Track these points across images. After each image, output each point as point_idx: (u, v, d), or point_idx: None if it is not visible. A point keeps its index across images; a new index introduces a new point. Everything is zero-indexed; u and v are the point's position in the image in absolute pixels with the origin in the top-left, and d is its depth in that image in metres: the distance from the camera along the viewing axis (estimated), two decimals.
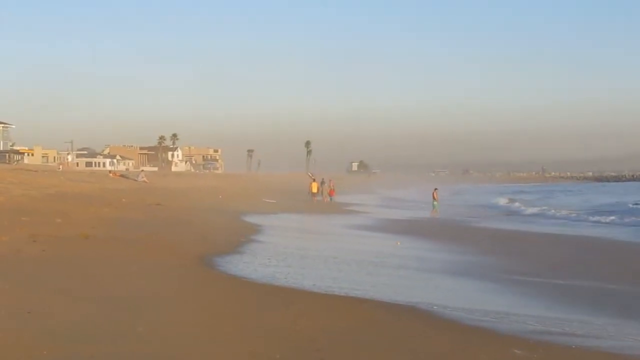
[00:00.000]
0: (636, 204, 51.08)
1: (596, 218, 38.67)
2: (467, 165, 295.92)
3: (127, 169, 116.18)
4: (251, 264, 15.37)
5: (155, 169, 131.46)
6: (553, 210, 46.09)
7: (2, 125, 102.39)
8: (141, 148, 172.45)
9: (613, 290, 14.33)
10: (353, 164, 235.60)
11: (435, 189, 45.48)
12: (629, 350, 8.69)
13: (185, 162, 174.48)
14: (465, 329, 9.34)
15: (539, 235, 28.43)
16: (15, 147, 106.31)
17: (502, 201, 59.28)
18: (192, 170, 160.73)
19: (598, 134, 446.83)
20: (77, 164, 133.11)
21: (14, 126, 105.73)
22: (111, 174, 68.66)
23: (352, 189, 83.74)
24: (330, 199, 52.84)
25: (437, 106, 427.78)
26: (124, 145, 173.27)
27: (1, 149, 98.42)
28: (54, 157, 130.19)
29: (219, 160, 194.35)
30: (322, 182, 54.21)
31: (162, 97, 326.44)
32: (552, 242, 25.59)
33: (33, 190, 30.79)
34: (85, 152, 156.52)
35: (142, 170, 78.12)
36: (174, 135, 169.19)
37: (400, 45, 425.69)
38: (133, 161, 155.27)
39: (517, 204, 55.67)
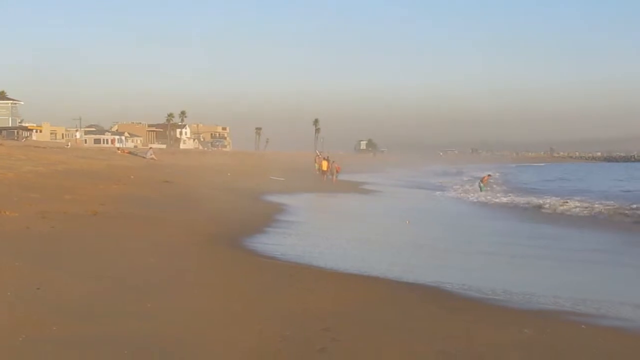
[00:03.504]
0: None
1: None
2: (476, 145, 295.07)
3: (135, 146, 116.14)
4: (262, 243, 15.37)
5: (164, 146, 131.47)
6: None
7: (11, 102, 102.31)
8: (149, 125, 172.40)
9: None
10: (361, 142, 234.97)
11: (489, 175, 47.42)
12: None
13: (194, 140, 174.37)
14: (479, 308, 9.33)
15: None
16: (23, 124, 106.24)
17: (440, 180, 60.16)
18: (200, 147, 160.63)
19: (608, 115, 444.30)
20: (85, 140, 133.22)
21: (22, 103, 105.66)
22: (119, 151, 68.63)
23: (359, 168, 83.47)
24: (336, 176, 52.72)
25: (446, 86, 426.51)
26: (133, 123, 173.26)
27: (10, 125, 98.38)
28: (62, 134, 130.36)
29: (227, 138, 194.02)
30: (327, 159, 53.95)
31: (170, 74, 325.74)
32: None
33: (41, 166, 30.80)
34: (94, 129, 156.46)
35: (151, 148, 78.23)
36: (183, 113, 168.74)
37: (410, 27, 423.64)
38: (141, 138, 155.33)
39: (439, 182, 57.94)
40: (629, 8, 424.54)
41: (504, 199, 35.01)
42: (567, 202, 30.90)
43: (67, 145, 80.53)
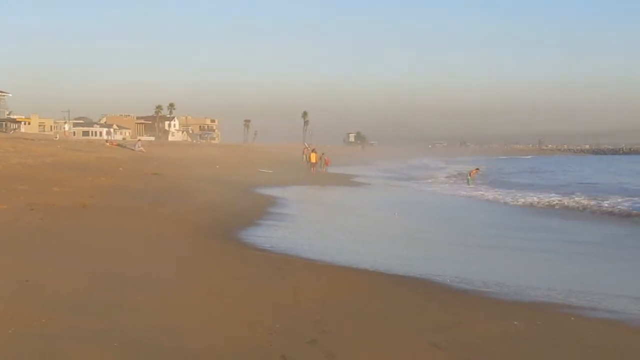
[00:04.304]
0: None
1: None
2: (465, 138, 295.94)
3: (124, 139, 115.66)
4: (253, 235, 15.35)
5: (152, 138, 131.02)
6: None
7: None
8: (138, 117, 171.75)
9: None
10: (350, 135, 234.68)
11: (477, 168, 48.52)
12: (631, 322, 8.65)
13: (182, 132, 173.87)
14: (470, 300, 9.35)
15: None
16: (12, 116, 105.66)
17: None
18: (189, 140, 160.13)
19: (596, 108, 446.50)
20: (74, 133, 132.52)
21: (10, 95, 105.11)
22: (108, 143, 68.30)
23: (348, 160, 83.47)
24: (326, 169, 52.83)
25: (435, 79, 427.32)
26: (121, 115, 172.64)
27: None
28: (51, 126, 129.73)
29: (216, 131, 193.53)
30: (315, 151, 53.96)
31: (159, 66, 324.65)
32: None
33: (30, 159, 30.65)
34: (82, 121, 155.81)
35: (139, 140, 77.81)
36: (171, 105, 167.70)
37: (400, 20, 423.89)
38: (130, 131, 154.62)
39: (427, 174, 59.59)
40: (618, 3, 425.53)
41: (488, 193, 35.17)
42: (543, 197, 31.31)
43: (56, 138, 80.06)
